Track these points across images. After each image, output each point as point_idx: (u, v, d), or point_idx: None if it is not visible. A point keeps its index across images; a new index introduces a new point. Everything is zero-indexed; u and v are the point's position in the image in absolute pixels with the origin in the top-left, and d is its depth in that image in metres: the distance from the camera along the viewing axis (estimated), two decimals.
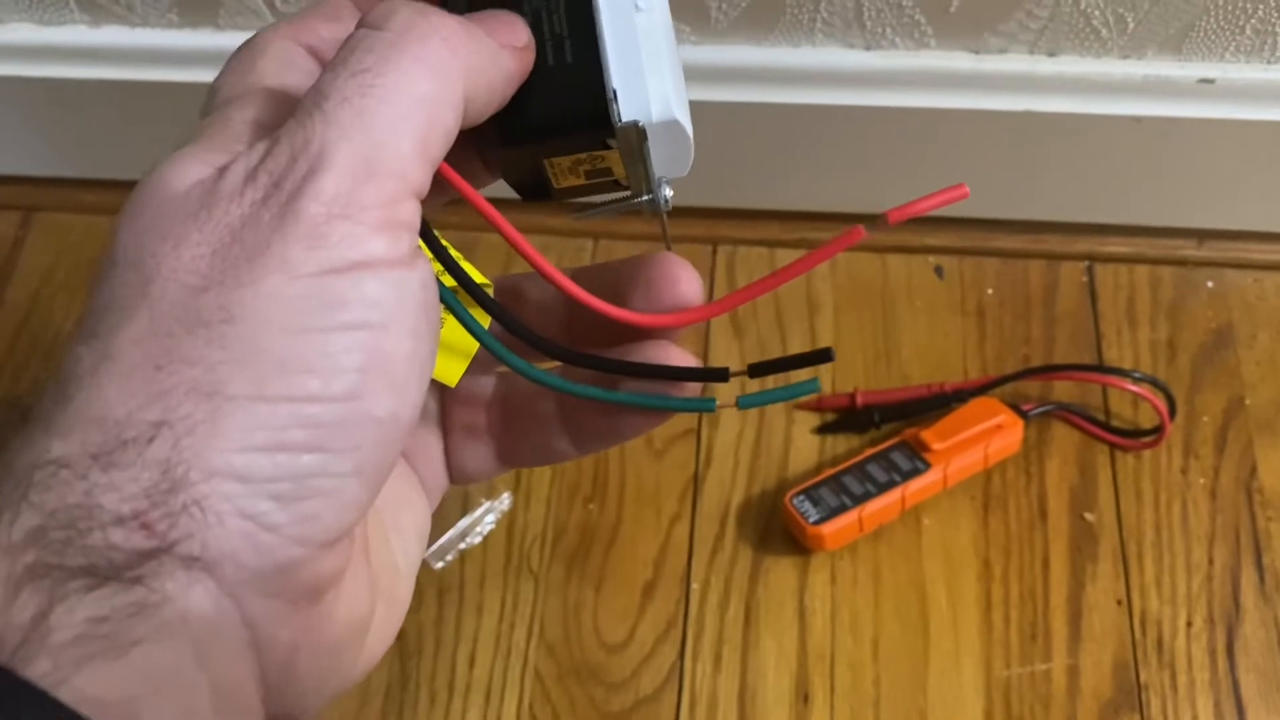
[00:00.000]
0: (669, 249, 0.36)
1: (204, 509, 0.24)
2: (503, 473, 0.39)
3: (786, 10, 0.64)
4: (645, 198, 0.34)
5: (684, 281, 0.35)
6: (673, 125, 0.32)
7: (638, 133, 0.31)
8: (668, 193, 0.34)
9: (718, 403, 0.35)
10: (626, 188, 0.34)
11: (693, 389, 0.35)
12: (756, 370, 0.35)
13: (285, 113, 0.27)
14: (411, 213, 0.27)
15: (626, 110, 0.31)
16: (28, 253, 0.80)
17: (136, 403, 0.24)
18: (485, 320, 0.33)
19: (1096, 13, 0.62)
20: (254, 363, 0.25)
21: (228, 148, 0.27)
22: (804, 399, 0.70)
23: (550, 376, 0.34)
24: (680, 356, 0.35)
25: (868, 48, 0.66)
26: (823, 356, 0.34)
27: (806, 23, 0.65)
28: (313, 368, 0.25)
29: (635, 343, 0.35)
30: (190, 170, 0.26)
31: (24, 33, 0.72)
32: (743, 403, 0.35)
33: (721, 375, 0.35)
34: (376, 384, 0.26)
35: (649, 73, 0.31)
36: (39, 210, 0.81)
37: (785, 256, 0.76)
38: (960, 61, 0.66)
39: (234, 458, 0.24)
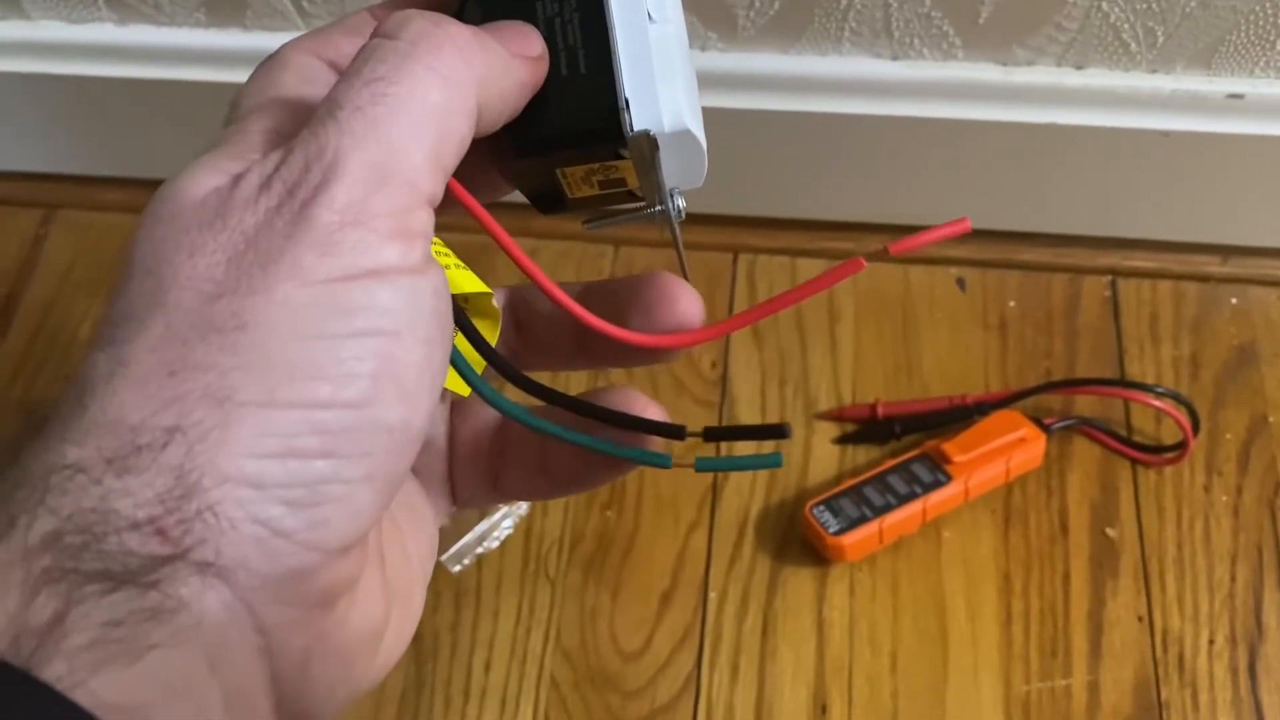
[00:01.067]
0: (681, 261, 0.36)
1: (217, 515, 0.24)
2: (498, 503, 0.39)
3: (814, 19, 0.64)
4: (659, 208, 0.34)
5: (683, 302, 0.34)
6: (685, 135, 0.32)
7: (650, 143, 0.31)
8: (681, 203, 0.34)
9: (673, 460, 0.35)
10: (640, 198, 0.34)
11: (657, 441, 0.35)
12: (712, 434, 0.35)
13: (302, 123, 0.27)
14: (424, 221, 0.27)
15: (638, 120, 0.31)
16: (49, 250, 0.80)
17: (151, 409, 0.24)
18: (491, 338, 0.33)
19: (1126, 26, 0.62)
20: (265, 369, 0.25)
21: (244, 156, 0.27)
22: (826, 409, 0.70)
23: (518, 409, 0.34)
24: (645, 406, 0.35)
25: (895, 58, 0.66)
26: (777, 433, 0.34)
27: (834, 32, 0.65)
28: (324, 374, 0.25)
29: (606, 389, 0.36)
30: (206, 179, 0.27)
31: (52, 30, 0.72)
32: (700, 465, 0.35)
33: (678, 433, 0.35)
34: (388, 391, 0.26)
35: (661, 83, 0.31)
36: (61, 208, 0.82)
37: (806, 265, 0.76)
38: (988, 73, 0.66)
39: (246, 463, 0.24)
